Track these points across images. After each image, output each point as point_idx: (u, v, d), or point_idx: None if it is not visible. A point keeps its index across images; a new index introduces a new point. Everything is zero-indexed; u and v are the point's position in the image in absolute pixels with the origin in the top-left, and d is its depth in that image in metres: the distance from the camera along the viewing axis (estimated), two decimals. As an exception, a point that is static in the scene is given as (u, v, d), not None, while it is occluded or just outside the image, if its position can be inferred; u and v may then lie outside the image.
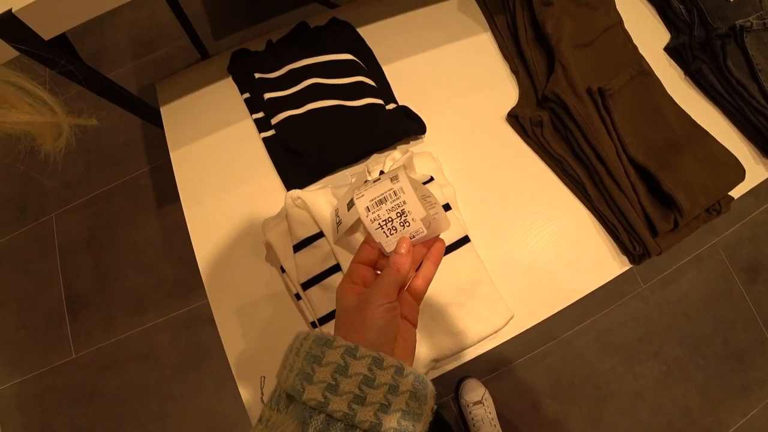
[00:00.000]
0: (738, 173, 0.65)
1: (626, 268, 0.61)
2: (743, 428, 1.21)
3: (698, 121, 0.70)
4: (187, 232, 0.62)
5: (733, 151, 0.69)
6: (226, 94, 0.68)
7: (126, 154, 1.38)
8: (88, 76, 0.62)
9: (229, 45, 1.55)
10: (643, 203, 0.59)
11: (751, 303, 1.33)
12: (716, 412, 1.22)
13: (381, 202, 0.33)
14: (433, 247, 0.34)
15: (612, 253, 0.61)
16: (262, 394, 0.48)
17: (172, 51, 1.49)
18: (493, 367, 1.22)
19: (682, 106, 0.71)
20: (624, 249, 0.60)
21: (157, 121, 0.74)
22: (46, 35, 0.50)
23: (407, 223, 0.32)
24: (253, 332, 0.56)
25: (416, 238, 0.33)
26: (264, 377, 0.50)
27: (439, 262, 0.35)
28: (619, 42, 0.73)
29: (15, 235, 1.35)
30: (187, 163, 0.65)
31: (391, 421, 0.25)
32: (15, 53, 0.50)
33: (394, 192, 0.32)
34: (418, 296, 0.34)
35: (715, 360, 1.27)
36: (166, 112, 0.70)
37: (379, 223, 0.32)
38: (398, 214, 0.32)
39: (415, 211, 0.32)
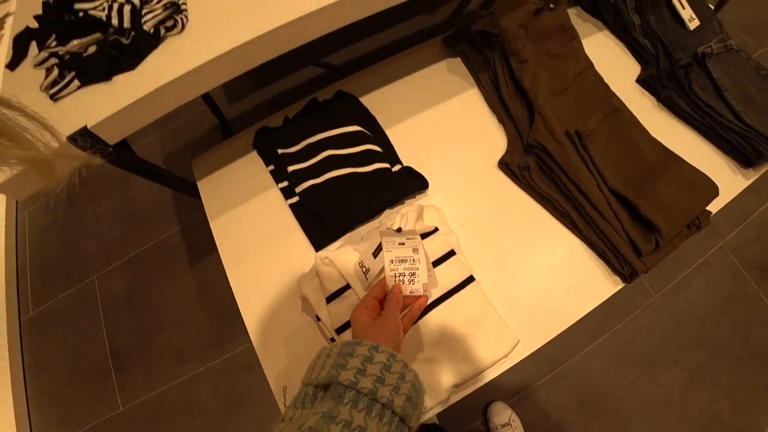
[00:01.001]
0: (711, 191, 0.72)
1: (620, 287, 0.68)
2: (780, 428, 1.21)
3: (675, 143, 0.77)
4: (219, 285, 0.71)
5: (711, 166, 0.76)
6: (253, 167, 0.78)
7: (157, 217, 1.51)
8: (136, 164, 0.74)
9: (243, 108, 1.69)
10: (627, 228, 0.67)
11: (765, 299, 1.35)
12: (748, 414, 1.22)
13: (402, 261, 0.48)
14: (420, 299, 0.48)
15: (605, 275, 0.68)
16: (285, 401, 0.58)
17: (193, 118, 1.64)
18: (517, 389, 1.26)
19: (658, 131, 0.78)
20: (615, 270, 0.68)
21: (185, 189, 0.84)
22: (112, 141, 0.61)
23: (413, 282, 0.48)
24: (293, 371, 0.63)
25: (413, 293, 0.48)
26: (286, 387, 0.59)
27: (421, 310, 0.49)
28: (590, 85, 0.82)
29: (62, 297, 1.47)
30: (226, 230, 0.74)
31: (400, 401, 0.34)
32: (85, 156, 0.61)
33: (413, 260, 0.48)
34: (405, 329, 0.47)
35: (738, 362, 1.28)
36: (202, 186, 0.80)
37: (395, 274, 0.48)
38: (410, 274, 0.48)
39: (422, 277, 0.48)
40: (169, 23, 0.63)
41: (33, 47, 0.67)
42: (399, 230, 0.57)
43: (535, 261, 0.68)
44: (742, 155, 0.78)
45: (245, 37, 0.58)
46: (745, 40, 1.92)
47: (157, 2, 0.66)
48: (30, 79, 0.62)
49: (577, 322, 0.65)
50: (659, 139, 0.78)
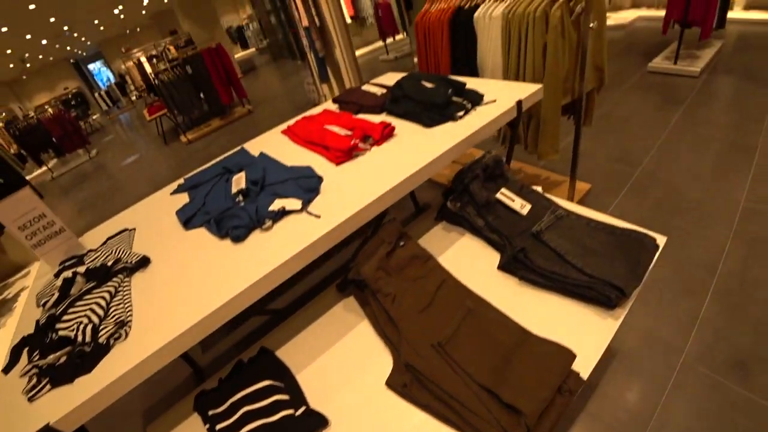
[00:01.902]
0: (567, 357, 0.82)
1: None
2: None
3: (544, 311, 0.89)
4: None
5: (582, 320, 0.86)
6: (195, 428, 0.92)
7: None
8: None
9: (217, 353, 1.87)
10: (498, 417, 0.76)
11: (758, 398, 1.22)
12: None
13: None
14: None
15: (496, 467, 0.75)
16: None
17: (169, 370, 1.81)
18: None
19: (526, 306, 0.92)
20: (506, 458, 0.75)
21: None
22: (69, 430, 0.77)
23: None
24: None
25: None
26: None
27: None
28: (451, 293, 1.01)
29: None
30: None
31: None
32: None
33: None
34: None
35: (772, 479, 1.09)
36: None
37: None
38: None
39: None
40: (117, 335, 0.87)
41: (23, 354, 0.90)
42: None
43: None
44: (600, 302, 0.91)
45: (168, 338, 0.81)
46: (623, 169, 2.27)
47: (111, 318, 0.92)
48: (17, 382, 0.85)
49: None
50: (530, 312, 0.91)
